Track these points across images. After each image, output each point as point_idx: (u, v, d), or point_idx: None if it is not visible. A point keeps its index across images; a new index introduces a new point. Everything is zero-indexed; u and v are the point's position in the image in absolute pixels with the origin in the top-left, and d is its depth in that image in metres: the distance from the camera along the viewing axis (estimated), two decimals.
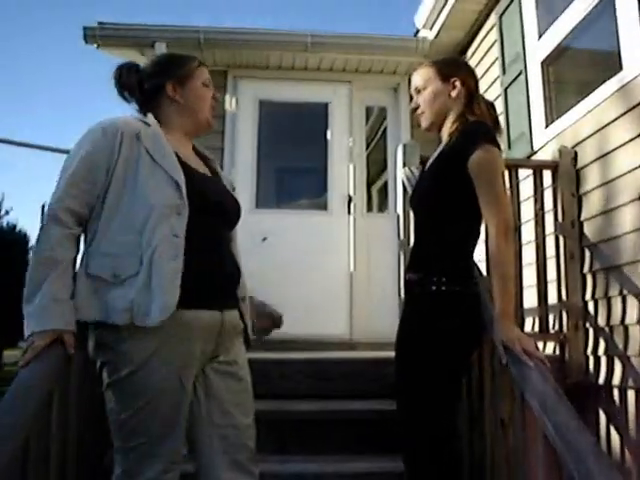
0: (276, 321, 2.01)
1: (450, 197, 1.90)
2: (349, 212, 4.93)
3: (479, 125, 1.92)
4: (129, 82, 1.80)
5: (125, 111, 1.83)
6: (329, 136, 5.09)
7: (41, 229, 1.60)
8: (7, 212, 16.24)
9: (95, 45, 4.71)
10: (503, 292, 1.77)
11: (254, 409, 1.76)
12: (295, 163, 5.48)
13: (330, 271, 4.72)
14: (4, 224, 17.24)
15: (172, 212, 1.61)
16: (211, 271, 1.68)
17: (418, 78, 2.05)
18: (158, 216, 1.59)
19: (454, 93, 1.97)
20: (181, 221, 1.62)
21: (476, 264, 2.08)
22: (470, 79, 2.02)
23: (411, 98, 2.12)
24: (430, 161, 2.05)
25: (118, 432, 1.59)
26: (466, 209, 1.90)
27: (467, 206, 1.88)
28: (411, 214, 3.01)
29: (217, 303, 1.68)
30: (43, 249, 1.57)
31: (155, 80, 1.80)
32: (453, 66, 2.05)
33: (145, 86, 1.80)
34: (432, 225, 1.98)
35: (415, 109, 2.06)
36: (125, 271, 1.56)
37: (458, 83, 1.97)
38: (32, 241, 27.07)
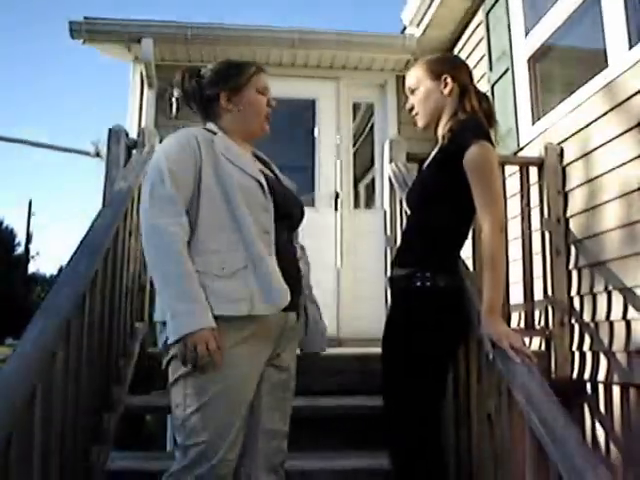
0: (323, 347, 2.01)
1: (442, 197, 1.91)
2: (336, 208, 4.92)
3: (469, 122, 1.92)
4: (189, 88, 1.86)
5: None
6: (316, 132, 5.08)
7: (165, 248, 1.61)
8: None
9: (81, 41, 4.65)
10: (493, 288, 1.78)
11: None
12: (282, 159, 5.38)
13: (317, 267, 4.67)
14: None
15: (260, 209, 1.70)
16: (284, 272, 1.71)
17: (410, 78, 2.06)
18: (250, 214, 1.67)
19: (446, 90, 1.97)
20: (269, 218, 1.72)
21: (463, 260, 2.08)
22: (461, 73, 2.01)
23: (405, 99, 2.12)
24: (427, 161, 2.06)
25: (181, 429, 1.61)
26: (456, 207, 1.91)
27: (458, 204, 1.90)
28: (397, 210, 3.05)
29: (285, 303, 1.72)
30: (175, 260, 1.59)
31: (211, 89, 1.84)
32: (443, 63, 2.05)
33: (204, 94, 1.85)
34: (421, 222, 2.00)
35: (410, 109, 2.07)
36: (233, 265, 1.63)
37: (449, 80, 1.97)
38: (18, 237, 27.01)
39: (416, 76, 2.03)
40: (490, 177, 1.84)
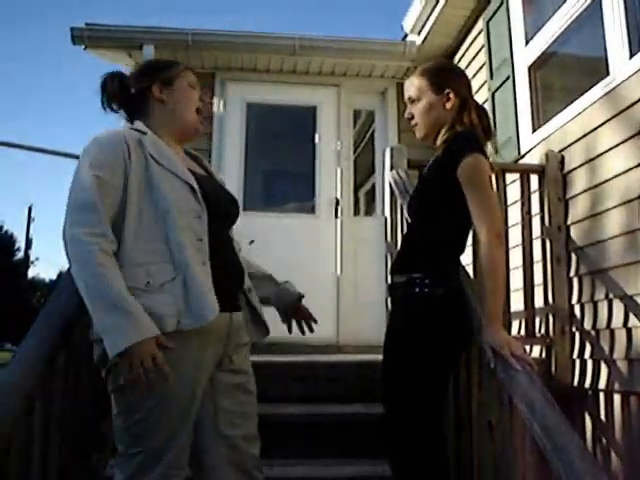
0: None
1: (438, 205, 1.93)
2: (336, 215, 4.92)
3: (465, 135, 1.94)
4: (113, 90, 1.78)
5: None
6: (317, 139, 5.08)
7: (82, 259, 1.51)
8: None
9: (83, 46, 4.67)
10: (493, 296, 1.78)
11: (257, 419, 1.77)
12: (283, 166, 5.47)
13: (317, 274, 4.71)
14: None
15: (193, 216, 1.63)
16: (223, 273, 1.67)
17: (412, 88, 2.04)
18: (181, 221, 1.59)
19: (448, 105, 1.97)
20: (202, 225, 1.64)
21: (463, 267, 2.08)
22: (462, 86, 2.02)
23: (404, 106, 2.11)
24: (424, 171, 2.07)
25: (123, 437, 1.56)
26: (453, 216, 1.91)
27: (454, 213, 1.90)
28: (398, 217, 3.05)
29: (227, 305, 1.67)
30: (100, 281, 1.49)
31: (141, 82, 1.78)
32: (446, 75, 2.04)
33: (132, 91, 1.78)
34: (419, 230, 2.01)
35: (410, 119, 2.06)
36: (159, 278, 1.55)
37: (452, 95, 1.97)
38: (18, 242, 26.98)
39: (418, 87, 2.02)
40: (483, 187, 1.85)
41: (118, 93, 1.78)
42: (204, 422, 1.67)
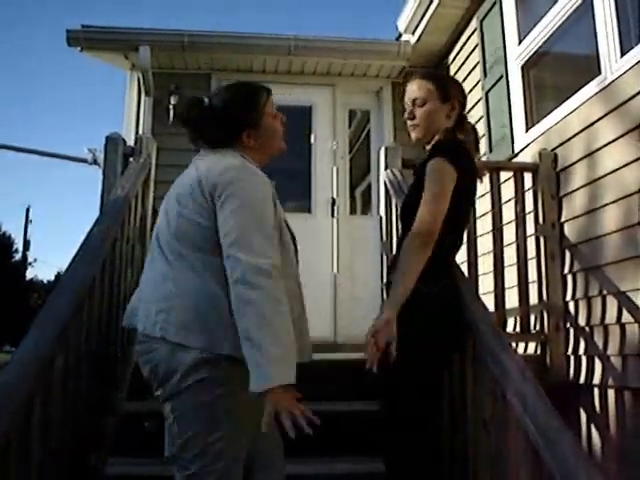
0: None
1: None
2: (332, 214, 4.95)
3: (445, 142, 2.00)
4: (201, 122, 1.77)
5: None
6: (312, 139, 5.11)
7: (262, 288, 1.52)
8: None
9: (79, 48, 4.68)
10: (397, 285, 1.85)
11: None
12: (278, 166, 5.44)
13: (314, 273, 4.71)
14: None
15: (294, 262, 1.81)
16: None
17: (419, 91, 2.04)
18: (292, 264, 1.75)
19: (452, 114, 2.03)
20: (296, 266, 1.81)
21: (458, 265, 2.10)
22: (463, 100, 2.09)
23: (402, 106, 2.13)
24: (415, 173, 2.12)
25: (201, 456, 1.54)
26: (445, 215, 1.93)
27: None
28: (393, 216, 3.07)
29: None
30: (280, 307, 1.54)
31: (229, 126, 1.76)
32: (454, 87, 2.10)
33: (219, 129, 1.76)
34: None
35: (409, 118, 2.07)
36: (294, 312, 1.62)
37: (456, 105, 2.03)
38: (16, 244, 26.94)
39: (427, 90, 2.03)
40: (433, 188, 1.90)
41: (205, 129, 1.77)
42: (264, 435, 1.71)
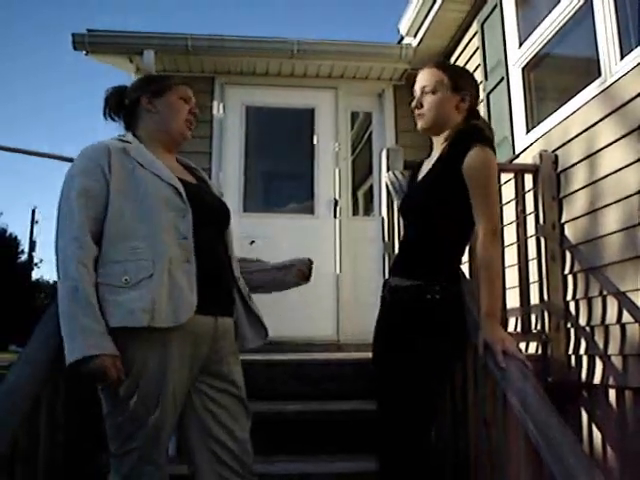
0: (306, 267, 2.08)
1: (446, 203, 1.89)
2: (335, 216, 4.97)
3: (472, 128, 1.93)
4: (113, 101, 1.90)
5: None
6: (315, 141, 5.13)
7: (66, 274, 1.58)
8: None
9: (84, 52, 4.72)
10: (490, 294, 1.79)
11: (250, 427, 1.81)
12: (282, 168, 5.51)
13: (317, 274, 4.72)
14: None
15: (177, 215, 1.68)
16: (210, 276, 1.71)
17: (429, 78, 1.97)
18: (164, 220, 1.65)
19: (461, 107, 1.95)
20: (187, 224, 1.69)
21: (460, 268, 2.11)
22: (476, 94, 2.01)
23: (410, 99, 2.07)
24: (426, 168, 2.03)
25: (114, 438, 1.61)
26: (460, 215, 1.90)
27: (461, 212, 1.88)
28: (395, 217, 3.08)
29: (213, 308, 1.72)
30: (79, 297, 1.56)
31: (134, 94, 1.88)
32: (466, 79, 2.02)
33: (125, 102, 1.89)
34: (423, 233, 1.97)
35: (416, 107, 2.00)
36: (137, 274, 1.59)
37: (467, 98, 1.96)
38: (22, 245, 27.02)
39: (436, 78, 1.96)
40: (486, 182, 1.84)
41: (115, 105, 1.90)
42: (194, 424, 1.72)
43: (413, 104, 2.02)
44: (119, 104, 1.90)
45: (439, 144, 1.99)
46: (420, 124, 2.01)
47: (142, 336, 1.57)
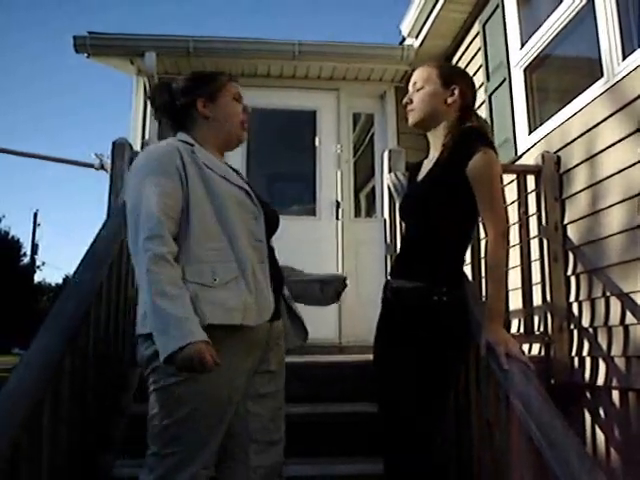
0: (341, 280, 2.07)
1: (449, 205, 1.89)
2: (337, 217, 4.97)
3: (474, 130, 1.93)
4: (162, 102, 1.83)
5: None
6: (317, 143, 5.13)
7: (149, 271, 1.52)
8: None
9: (85, 54, 4.73)
10: (495, 296, 1.80)
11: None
12: (284, 169, 5.51)
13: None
14: None
15: (251, 218, 1.71)
16: (273, 277, 1.74)
17: (421, 74, 2.01)
18: (240, 222, 1.67)
19: (450, 100, 1.95)
20: (259, 226, 1.72)
21: (462, 268, 2.10)
22: (469, 91, 2.01)
23: (405, 95, 2.07)
24: (426, 169, 2.03)
25: (159, 437, 1.59)
26: (463, 217, 1.91)
27: (465, 213, 1.90)
28: (396, 219, 3.08)
29: (275, 314, 1.73)
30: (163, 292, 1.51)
31: (186, 97, 1.81)
32: (456, 74, 2.04)
33: (177, 104, 1.82)
34: (425, 234, 1.97)
35: (407, 103, 2.03)
36: (225, 275, 1.61)
37: (457, 92, 1.95)
38: (24, 248, 27.11)
39: (426, 74, 1.99)
40: (492, 184, 1.85)
41: (166, 106, 1.83)
42: (238, 427, 1.70)
43: (404, 100, 2.05)
44: (169, 105, 1.82)
45: (436, 143, 2.00)
46: (409, 119, 2.04)
47: (224, 336, 1.57)
